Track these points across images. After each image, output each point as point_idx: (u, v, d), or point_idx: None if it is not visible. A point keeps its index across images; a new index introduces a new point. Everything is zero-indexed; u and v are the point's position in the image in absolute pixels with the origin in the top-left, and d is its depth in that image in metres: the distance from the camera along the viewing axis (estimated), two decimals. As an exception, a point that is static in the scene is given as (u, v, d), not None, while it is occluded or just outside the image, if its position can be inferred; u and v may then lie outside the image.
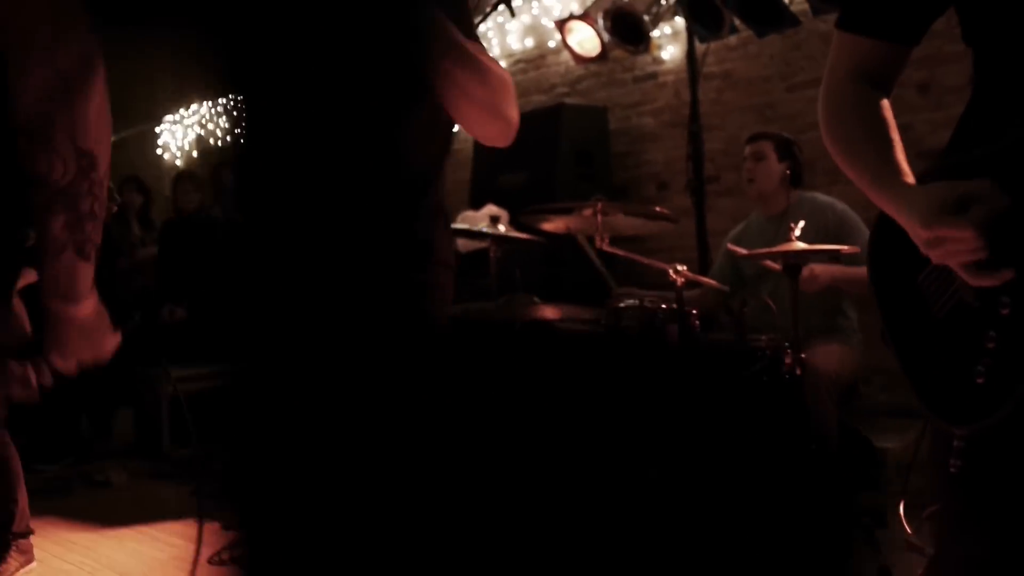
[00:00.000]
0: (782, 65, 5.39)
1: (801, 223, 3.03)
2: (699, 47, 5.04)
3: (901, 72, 1.33)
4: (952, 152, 1.25)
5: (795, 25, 4.61)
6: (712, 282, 3.29)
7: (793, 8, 4.58)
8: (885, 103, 1.30)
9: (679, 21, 5.51)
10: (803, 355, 2.86)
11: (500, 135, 1.59)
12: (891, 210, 1.22)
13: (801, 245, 2.92)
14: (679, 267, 2.96)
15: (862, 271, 2.95)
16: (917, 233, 1.14)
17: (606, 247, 3.10)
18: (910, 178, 1.22)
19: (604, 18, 5.14)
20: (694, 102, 4.78)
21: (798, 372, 2.83)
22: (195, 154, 8.89)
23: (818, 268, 3.29)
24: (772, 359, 2.89)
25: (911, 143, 1.28)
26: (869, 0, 1.29)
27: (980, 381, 1.14)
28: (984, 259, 1.09)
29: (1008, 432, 1.13)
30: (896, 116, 1.31)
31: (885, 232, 1.28)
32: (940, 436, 1.24)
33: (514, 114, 1.57)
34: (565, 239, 3.61)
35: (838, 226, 3.41)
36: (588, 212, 3.15)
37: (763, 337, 2.98)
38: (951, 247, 1.11)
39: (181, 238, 5.96)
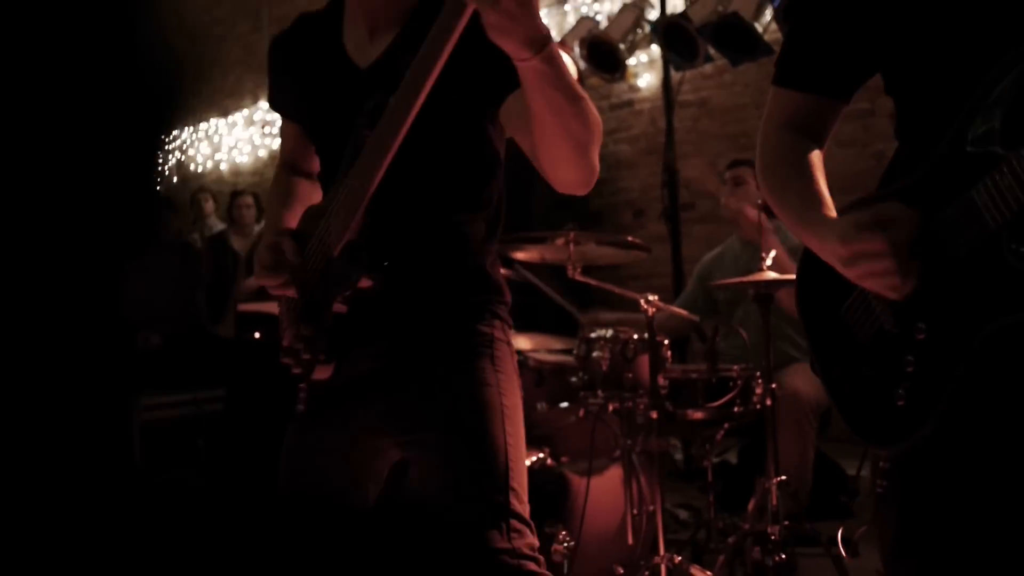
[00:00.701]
0: (756, 93, 5.43)
1: (773, 252, 3.04)
2: (675, 75, 5.08)
3: (834, 124, 1.39)
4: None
5: (769, 54, 4.65)
6: (683, 312, 3.30)
7: (767, 37, 4.62)
8: (816, 152, 1.36)
9: (655, 49, 5.55)
10: (774, 385, 2.86)
11: (583, 181, 1.49)
12: (814, 242, 1.28)
13: (772, 275, 2.92)
14: (651, 297, 2.95)
15: None
16: (837, 253, 1.20)
17: (578, 276, 3.09)
18: (833, 212, 1.28)
19: (580, 46, 5.18)
20: (669, 130, 4.81)
21: (768, 403, 2.83)
22: (175, 180, 8.86)
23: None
24: (743, 389, 2.89)
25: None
26: (802, 58, 1.36)
27: (901, 404, 1.19)
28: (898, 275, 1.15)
29: (928, 453, 1.18)
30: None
31: (811, 266, 1.34)
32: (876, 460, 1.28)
33: (597, 162, 1.47)
34: (541, 269, 3.60)
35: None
36: (560, 241, 3.15)
37: (735, 367, 2.98)
38: (867, 264, 1.16)
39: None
